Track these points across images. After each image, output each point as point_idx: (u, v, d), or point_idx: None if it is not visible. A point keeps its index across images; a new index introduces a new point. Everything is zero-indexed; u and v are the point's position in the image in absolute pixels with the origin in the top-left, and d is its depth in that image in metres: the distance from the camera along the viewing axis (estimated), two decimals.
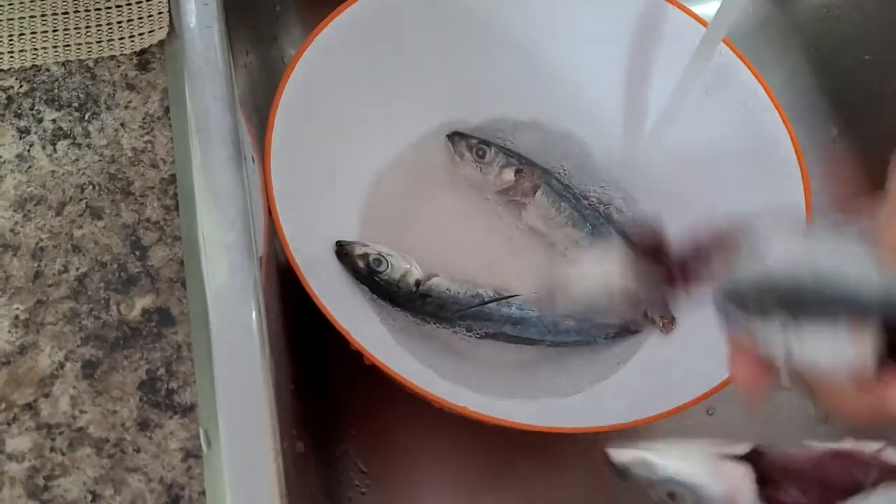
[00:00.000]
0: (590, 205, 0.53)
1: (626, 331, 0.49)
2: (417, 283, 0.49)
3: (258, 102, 0.53)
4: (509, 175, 0.53)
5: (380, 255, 0.48)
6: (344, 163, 0.52)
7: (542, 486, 0.54)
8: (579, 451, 0.53)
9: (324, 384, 0.55)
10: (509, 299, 0.50)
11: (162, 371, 0.37)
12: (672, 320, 0.49)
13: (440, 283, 0.49)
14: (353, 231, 0.51)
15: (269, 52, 0.63)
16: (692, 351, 0.48)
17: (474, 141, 0.54)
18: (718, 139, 0.52)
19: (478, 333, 0.50)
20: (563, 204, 0.53)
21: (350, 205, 0.52)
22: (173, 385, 0.37)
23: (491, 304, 0.50)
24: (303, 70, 0.47)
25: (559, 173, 0.55)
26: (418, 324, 0.50)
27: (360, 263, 0.48)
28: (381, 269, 0.48)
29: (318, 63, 0.48)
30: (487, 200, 0.55)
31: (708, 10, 0.57)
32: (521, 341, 0.50)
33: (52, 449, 0.35)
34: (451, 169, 0.55)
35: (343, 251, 0.48)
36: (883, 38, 0.61)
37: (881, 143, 0.61)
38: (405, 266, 0.49)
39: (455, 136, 0.54)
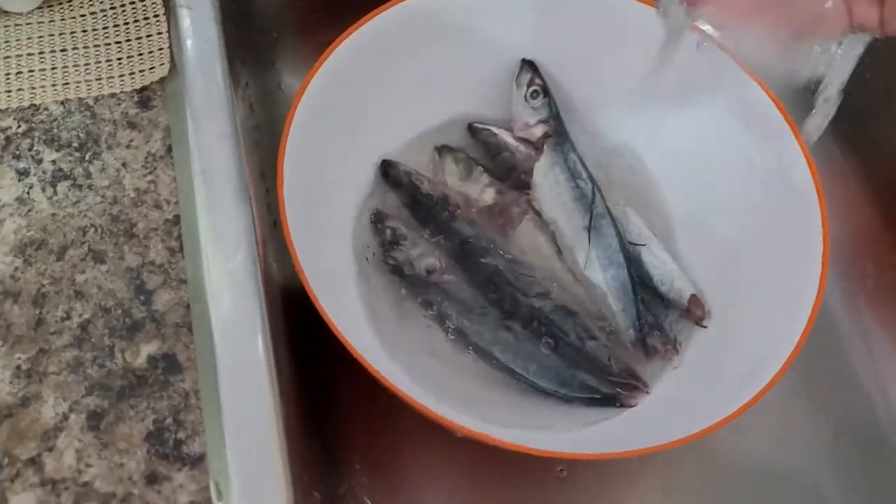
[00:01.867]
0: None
1: (611, 399, 0.47)
2: (429, 271, 0.49)
3: (259, 132, 0.52)
4: (490, 195, 0.53)
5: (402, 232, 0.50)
6: (352, 179, 0.51)
7: None
8: (600, 481, 0.52)
9: (326, 417, 0.54)
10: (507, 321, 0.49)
11: (169, 420, 0.36)
12: (675, 345, 0.48)
13: (452, 281, 0.49)
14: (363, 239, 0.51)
15: (266, 78, 0.62)
16: (706, 375, 0.47)
17: (462, 156, 0.53)
18: (728, 155, 0.51)
19: (466, 343, 0.49)
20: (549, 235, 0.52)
21: (358, 218, 0.52)
22: (181, 435, 0.36)
23: (490, 320, 0.49)
24: (311, 94, 0.46)
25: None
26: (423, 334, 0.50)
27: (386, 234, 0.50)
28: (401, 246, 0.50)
29: (327, 84, 0.47)
30: None
31: None
32: (502, 368, 0.49)
33: None
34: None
35: (377, 217, 0.51)
36: (885, 56, 0.61)
37: (885, 163, 0.62)
38: (426, 247, 0.50)
39: (443, 149, 0.54)
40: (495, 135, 0.54)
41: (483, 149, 0.55)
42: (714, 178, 0.52)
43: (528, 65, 0.54)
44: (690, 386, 0.46)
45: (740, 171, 0.51)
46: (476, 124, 0.54)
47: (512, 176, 0.54)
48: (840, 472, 0.53)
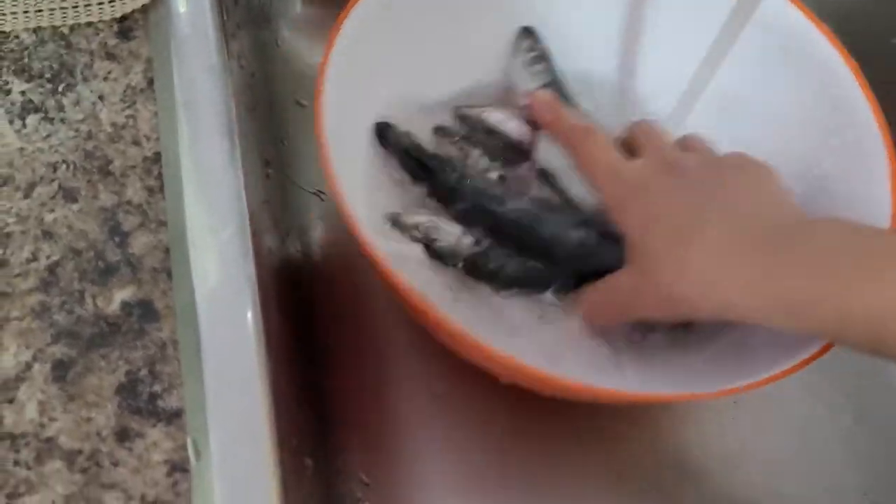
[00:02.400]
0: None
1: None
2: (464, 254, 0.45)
3: (253, 79, 0.49)
4: (492, 177, 0.50)
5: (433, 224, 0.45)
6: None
7: (559, 496, 0.50)
8: (600, 449, 0.49)
9: (321, 389, 0.51)
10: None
11: (144, 372, 0.32)
12: None
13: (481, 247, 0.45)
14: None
15: (261, 34, 0.59)
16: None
17: (456, 138, 0.50)
18: (782, 99, 0.47)
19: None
20: None
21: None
22: (157, 388, 0.32)
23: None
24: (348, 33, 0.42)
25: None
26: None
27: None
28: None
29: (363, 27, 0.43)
30: None
31: None
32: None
33: (17, 462, 0.30)
34: None
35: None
36: None
37: None
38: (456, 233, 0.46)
39: (438, 131, 0.51)
40: (482, 119, 0.49)
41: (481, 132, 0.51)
42: (770, 127, 0.49)
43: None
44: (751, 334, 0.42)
45: (803, 123, 0.47)
46: (464, 109, 0.50)
47: (510, 155, 0.50)
48: (860, 457, 0.50)
